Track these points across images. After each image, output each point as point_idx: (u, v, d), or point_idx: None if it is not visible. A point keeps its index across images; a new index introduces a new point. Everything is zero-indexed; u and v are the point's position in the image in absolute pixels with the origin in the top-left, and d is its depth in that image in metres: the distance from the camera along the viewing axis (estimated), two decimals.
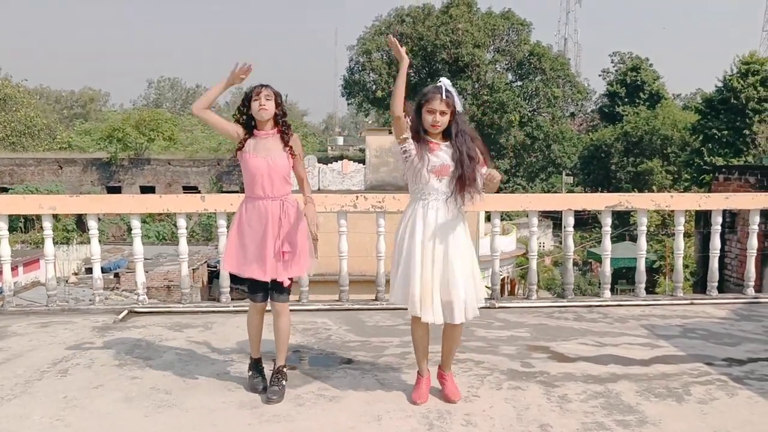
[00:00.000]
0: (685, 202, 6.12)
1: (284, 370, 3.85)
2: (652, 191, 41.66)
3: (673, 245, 6.15)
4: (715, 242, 6.07)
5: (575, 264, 37.30)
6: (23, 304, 6.48)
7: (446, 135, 3.64)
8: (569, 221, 6.02)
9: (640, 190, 42.73)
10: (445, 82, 3.61)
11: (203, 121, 3.75)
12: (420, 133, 3.63)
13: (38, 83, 78.73)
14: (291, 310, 5.60)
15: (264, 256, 3.69)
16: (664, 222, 30.01)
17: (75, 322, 5.37)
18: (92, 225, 5.69)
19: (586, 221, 37.33)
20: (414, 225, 3.60)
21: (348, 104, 49.58)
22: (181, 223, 5.73)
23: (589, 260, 35.28)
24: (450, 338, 3.77)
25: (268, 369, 3.93)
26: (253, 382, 3.82)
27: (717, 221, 6.05)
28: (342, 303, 5.88)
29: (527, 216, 6.09)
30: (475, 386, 3.94)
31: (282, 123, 3.77)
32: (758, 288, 6.42)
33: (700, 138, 39.61)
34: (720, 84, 39.54)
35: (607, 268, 6.13)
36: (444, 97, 3.54)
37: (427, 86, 3.65)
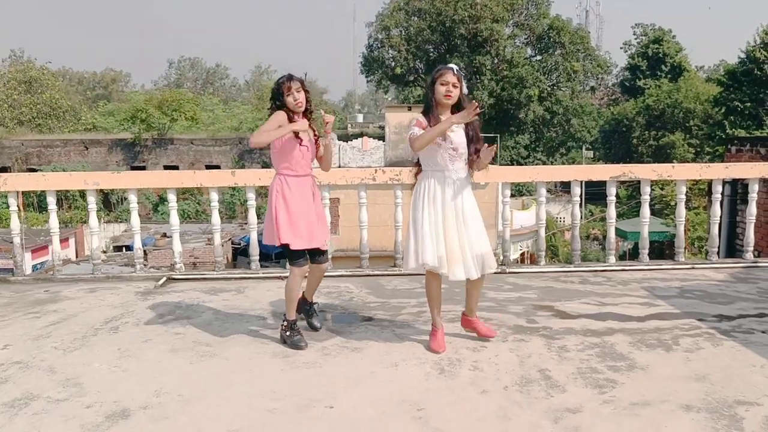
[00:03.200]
0: (685, 172, 6.44)
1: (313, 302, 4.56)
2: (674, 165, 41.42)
3: (675, 213, 6.48)
4: (715, 210, 6.40)
5: (596, 239, 37.42)
6: (71, 272, 7.01)
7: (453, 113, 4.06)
8: (576, 191, 6.38)
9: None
10: (452, 65, 4.10)
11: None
12: (431, 111, 4.03)
13: (61, 65, 79.80)
14: None
15: (313, 226, 4.22)
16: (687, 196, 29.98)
17: (119, 288, 5.89)
18: (132, 199, 6.19)
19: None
20: (434, 195, 4.04)
21: (367, 81, 49.74)
22: (214, 196, 6.20)
23: None
24: (478, 287, 4.27)
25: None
26: (294, 340, 4.22)
27: (717, 190, 6.37)
28: (363, 269, 6.33)
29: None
30: (483, 339, 4.36)
31: (308, 110, 4.22)
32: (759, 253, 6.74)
33: (723, 111, 39.27)
34: (743, 55, 39.08)
35: (611, 235, 6.50)
36: (455, 72, 4.02)
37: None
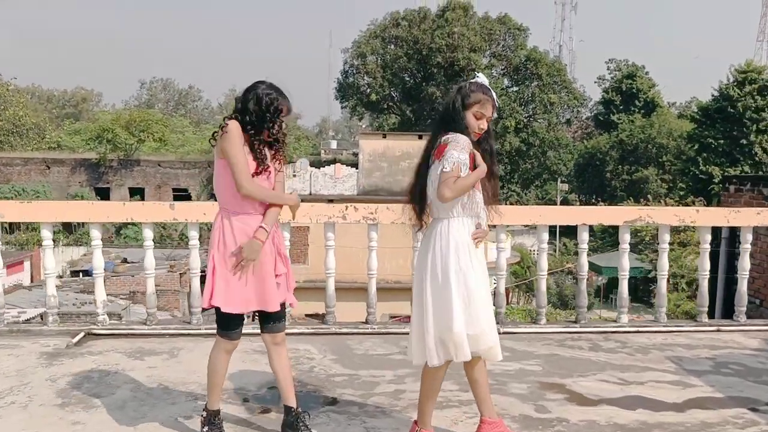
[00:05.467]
0: (711, 217, 5.50)
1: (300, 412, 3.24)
2: (648, 200, 41.18)
3: (699, 266, 5.53)
4: (744, 263, 5.46)
5: (569, 273, 36.67)
6: None
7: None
8: (584, 237, 5.39)
9: (636, 199, 42.22)
10: (485, 79, 3.10)
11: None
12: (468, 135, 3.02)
13: (30, 82, 77.63)
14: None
15: (265, 281, 3.06)
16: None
17: (22, 347, 4.70)
18: (46, 235, 5.01)
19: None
20: (470, 251, 2.97)
21: (342, 107, 49.01)
22: (147, 234, 5.06)
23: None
24: (486, 373, 3.14)
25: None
26: None
27: (747, 239, 5.43)
28: (328, 326, 5.23)
29: (534, 228, 5.47)
30: None
31: (277, 138, 3.12)
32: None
33: (696, 147, 39.21)
34: (716, 93, 39.16)
35: (624, 291, 5.51)
36: (495, 102, 3.07)
37: (470, 83, 3.09)
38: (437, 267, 2.96)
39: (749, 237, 5.44)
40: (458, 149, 2.92)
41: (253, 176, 3.00)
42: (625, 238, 5.41)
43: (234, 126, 3.00)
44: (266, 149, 3.07)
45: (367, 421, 3.50)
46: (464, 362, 3.01)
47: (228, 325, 3.12)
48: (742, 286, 5.49)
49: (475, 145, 3.05)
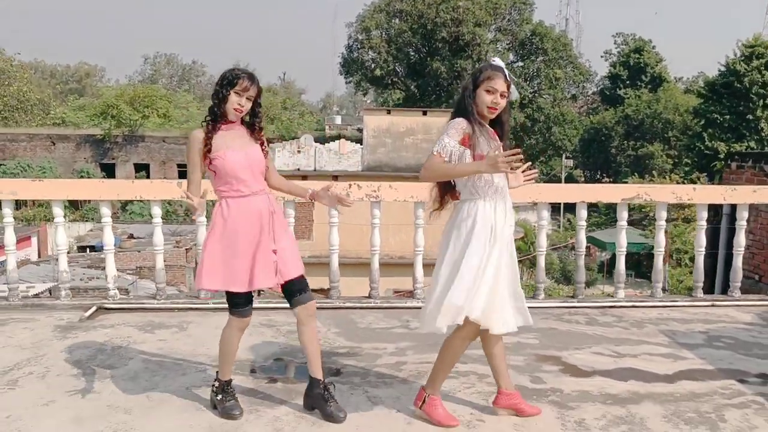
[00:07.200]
0: (708, 195, 5.61)
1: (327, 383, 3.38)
2: (653, 175, 41.13)
3: (695, 242, 5.65)
4: (740, 239, 5.57)
5: (572, 248, 36.81)
6: None
7: (491, 124, 3.20)
8: (582, 214, 5.51)
9: (641, 175, 42.19)
10: (500, 62, 3.16)
11: None
12: (473, 120, 3.11)
13: (33, 57, 77.51)
14: (274, 309, 5.16)
15: (266, 259, 3.17)
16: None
17: (37, 320, 4.87)
18: (57, 212, 5.16)
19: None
20: (492, 226, 3.10)
21: (346, 83, 48.69)
22: (156, 211, 5.19)
23: (588, 245, 34.80)
24: (502, 349, 3.32)
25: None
26: (226, 407, 3.28)
27: (743, 216, 5.54)
28: (332, 301, 5.38)
29: (534, 204, 5.58)
30: (479, 407, 3.45)
31: (255, 121, 3.24)
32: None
33: (702, 122, 38.99)
34: (723, 68, 38.83)
35: (621, 267, 5.63)
36: (507, 77, 3.11)
37: (482, 65, 3.20)
38: (455, 245, 3.11)
39: (745, 214, 5.55)
40: (449, 134, 3.06)
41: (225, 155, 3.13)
42: (623, 215, 5.52)
43: (193, 135, 3.18)
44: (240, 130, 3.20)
45: (369, 390, 3.66)
46: (482, 337, 3.21)
47: (236, 303, 3.25)
48: (737, 262, 5.60)
49: (491, 124, 3.17)
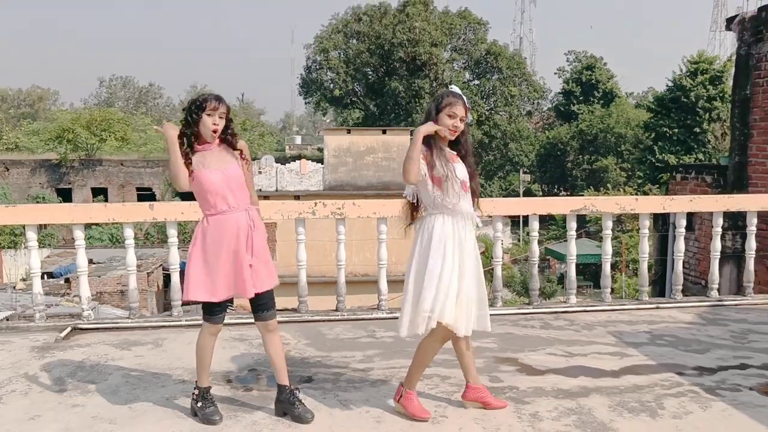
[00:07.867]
0: (649, 205, 6.05)
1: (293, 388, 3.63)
2: (608, 188, 42.33)
3: (639, 249, 6.07)
4: (679, 245, 6.02)
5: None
6: None
7: (452, 147, 3.58)
8: (534, 226, 5.89)
9: (596, 188, 43.37)
10: (458, 90, 3.56)
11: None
12: (434, 142, 3.47)
13: None
14: (244, 324, 5.38)
15: (242, 271, 3.43)
16: (619, 219, 30.47)
17: (12, 342, 4.99)
18: (31, 236, 5.31)
19: (544, 218, 37.72)
20: (452, 238, 3.45)
21: (305, 103, 49.14)
22: (128, 233, 5.39)
23: (547, 257, 35.60)
24: (470, 348, 3.71)
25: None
26: (206, 413, 3.51)
27: (681, 224, 5.99)
28: (301, 314, 5.63)
29: (490, 218, 5.93)
30: (443, 405, 3.74)
31: (227, 134, 3.51)
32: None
33: (653, 136, 40.36)
34: (670, 83, 40.35)
35: (572, 274, 6.01)
36: (465, 103, 3.50)
37: (442, 92, 3.58)
38: (419, 255, 3.48)
39: (683, 222, 5.99)
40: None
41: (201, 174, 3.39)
42: (572, 226, 5.90)
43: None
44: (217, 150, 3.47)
45: (339, 394, 3.92)
46: (453, 338, 3.57)
47: (211, 311, 3.52)
48: (677, 267, 6.04)
49: (452, 145, 3.54)
